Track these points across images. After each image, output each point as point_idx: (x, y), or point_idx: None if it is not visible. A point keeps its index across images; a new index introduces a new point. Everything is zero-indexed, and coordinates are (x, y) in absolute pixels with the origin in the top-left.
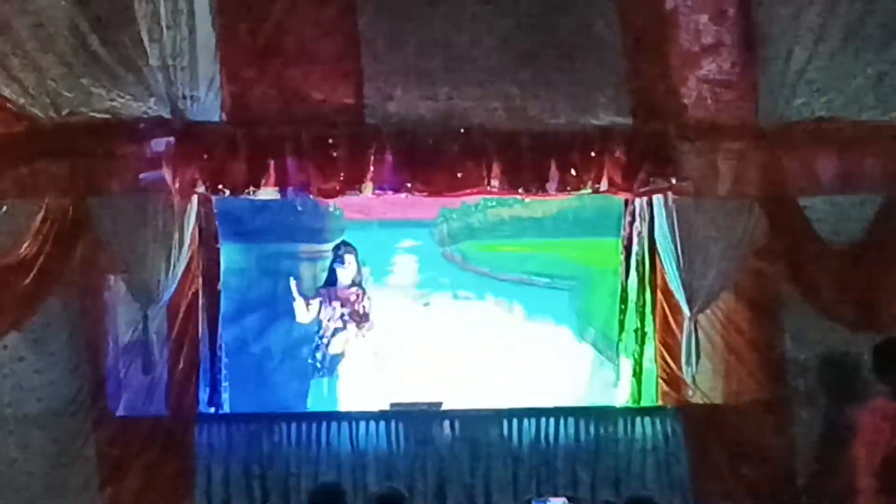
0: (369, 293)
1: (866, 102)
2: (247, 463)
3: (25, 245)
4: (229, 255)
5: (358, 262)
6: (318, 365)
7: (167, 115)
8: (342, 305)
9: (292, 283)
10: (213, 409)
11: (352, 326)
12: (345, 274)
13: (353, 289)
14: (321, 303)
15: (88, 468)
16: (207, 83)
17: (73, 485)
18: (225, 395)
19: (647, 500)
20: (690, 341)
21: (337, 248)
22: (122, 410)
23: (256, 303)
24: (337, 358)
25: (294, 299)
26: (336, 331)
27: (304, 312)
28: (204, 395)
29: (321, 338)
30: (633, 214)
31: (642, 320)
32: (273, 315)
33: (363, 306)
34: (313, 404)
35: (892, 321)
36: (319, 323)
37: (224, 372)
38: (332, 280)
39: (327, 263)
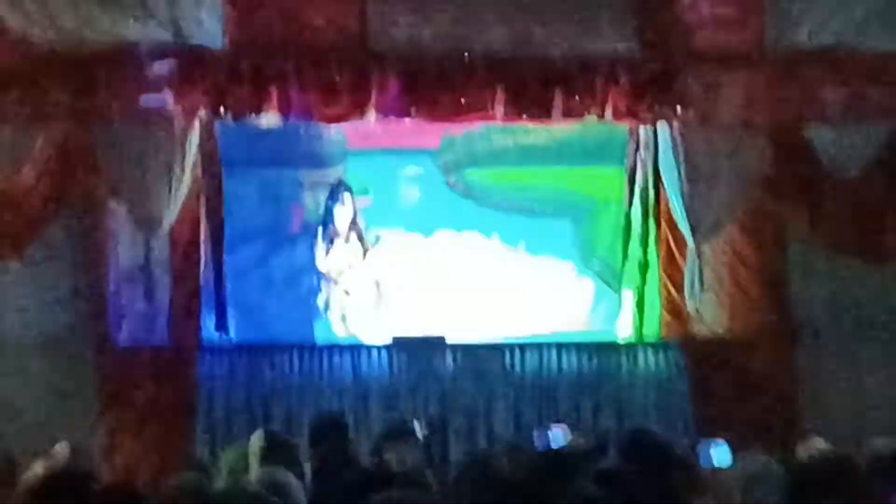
0: (371, 224)
1: (874, 30)
2: (249, 393)
3: (26, 171)
4: (232, 181)
5: (354, 202)
6: (322, 303)
7: (169, 40)
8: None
9: (319, 231)
10: (219, 335)
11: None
12: (342, 213)
13: (351, 230)
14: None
15: (89, 397)
16: (210, 7)
17: (73, 413)
18: (230, 322)
19: (648, 434)
20: (694, 273)
21: (334, 187)
22: (124, 339)
23: (259, 230)
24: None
25: (317, 245)
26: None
27: (323, 259)
28: (210, 321)
29: (323, 276)
30: (637, 143)
31: (645, 251)
32: (276, 242)
33: (361, 243)
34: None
35: None
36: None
37: (229, 299)
38: (328, 220)
39: (329, 190)
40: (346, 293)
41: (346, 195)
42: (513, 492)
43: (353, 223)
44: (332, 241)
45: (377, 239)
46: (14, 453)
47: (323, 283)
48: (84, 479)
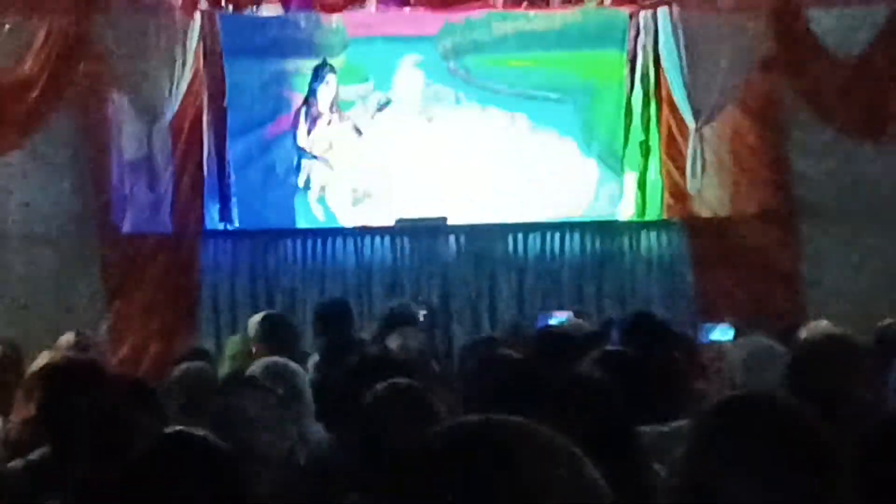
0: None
1: None
2: (252, 278)
3: (29, 62)
4: (233, 72)
5: (336, 85)
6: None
7: None
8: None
9: (302, 111)
10: (223, 225)
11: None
12: (325, 92)
13: (333, 110)
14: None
15: (95, 284)
16: None
17: (79, 301)
18: (234, 211)
19: (651, 317)
20: (696, 154)
21: (318, 67)
22: (128, 227)
23: (261, 119)
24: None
25: (298, 124)
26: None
27: (305, 137)
28: (214, 211)
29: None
30: (637, 27)
31: (647, 133)
32: (277, 131)
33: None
34: (306, 221)
35: None
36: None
37: (232, 188)
38: (311, 99)
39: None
40: (330, 168)
41: (330, 75)
42: (516, 374)
43: (334, 104)
44: (314, 122)
45: (387, 101)
46: (19, 343)
47: (304, 161)
48: (89, 368)
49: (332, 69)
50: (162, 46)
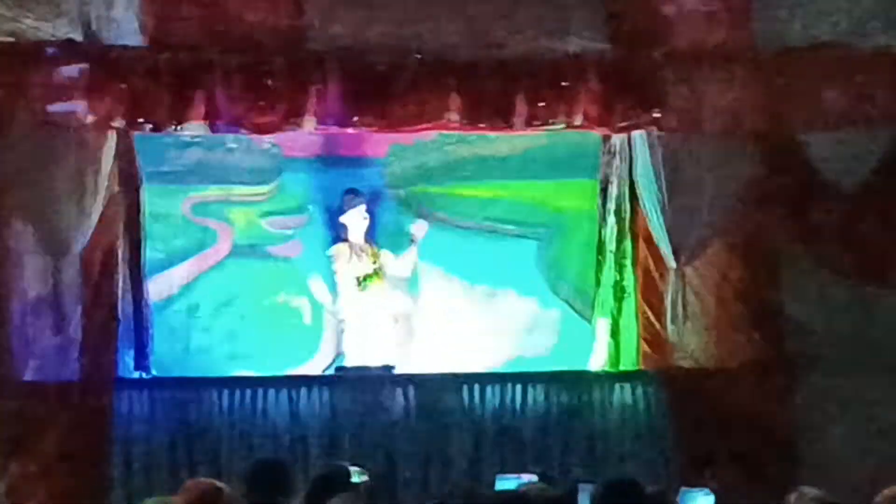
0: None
1: (874, 26)
2: (172, 434)
3: None
4: (153, 199)
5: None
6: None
7: (79, 39)
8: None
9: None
10: (139, 373)
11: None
12: (355, 225)
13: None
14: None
15: None
16: (125, 2)
17: None
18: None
19: (629, 483)
20: (676, 297)
21: (344, 194)
22: (30, 375)
23: (184, 253)
24: None
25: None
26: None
27: (324, 293)
28: (128, 358)
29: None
30: (611, 153)
31: (621, 273)
32: (203, 266)
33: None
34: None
35: None
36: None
37: (150, 331)
38: (339, 236)
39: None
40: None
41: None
42: None
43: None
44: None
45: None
46: None
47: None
48: None
49: (361, 195)
50: (71, 169)
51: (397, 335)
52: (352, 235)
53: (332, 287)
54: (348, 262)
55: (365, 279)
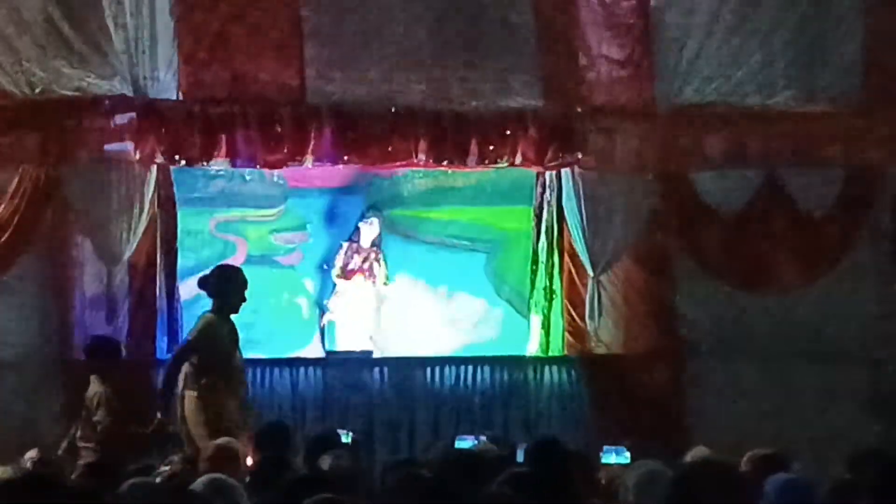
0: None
1: (750, 89)
2: None
3: (2, 207)
4: (185, 218)
5: (381, 227)
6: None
7: (130, 94)
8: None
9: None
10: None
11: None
12: (366, 231)
13: (373, 248)
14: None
15: (57, 407)
16: (166, 65)
17: (43, 421)
18: None
19: (553, 442)
20: (594, 298)
21: (366, 209)
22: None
23: (209, 261)
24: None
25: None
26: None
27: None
28: (163, 342)
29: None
30: (543, 185)
31: (551, 280)
32: None
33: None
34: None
35: (771, 280)
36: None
37: (181, 322)
38: (355, 236)
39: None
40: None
41: (375, 218)
42: (431, 492)
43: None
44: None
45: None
46: None
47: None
48: (50, 481)
49: (378, 213)
50: (122, 195)
51: (374, 326)
52: (362, 239)
53: (325, 288)
54: (345, 254)
55: (348, 270)
